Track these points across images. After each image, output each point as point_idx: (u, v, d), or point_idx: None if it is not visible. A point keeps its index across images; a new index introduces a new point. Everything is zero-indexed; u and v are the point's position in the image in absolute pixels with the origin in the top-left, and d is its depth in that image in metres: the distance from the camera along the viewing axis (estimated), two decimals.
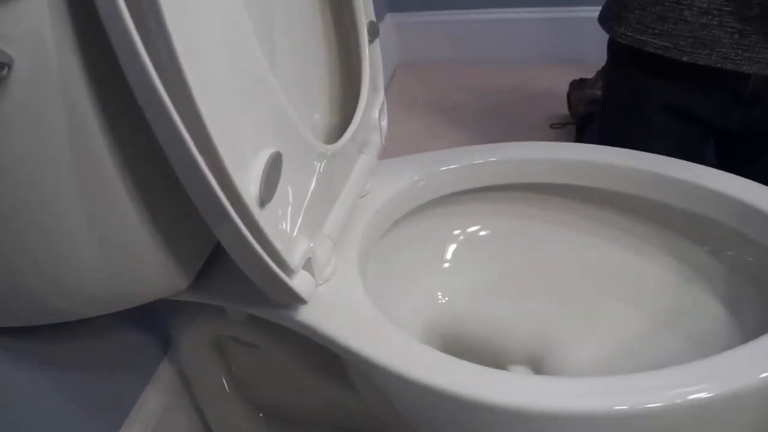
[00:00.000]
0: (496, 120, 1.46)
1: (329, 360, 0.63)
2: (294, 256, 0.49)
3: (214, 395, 0.73)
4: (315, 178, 0.53)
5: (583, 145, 0.67)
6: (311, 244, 0.51)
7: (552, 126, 1.40)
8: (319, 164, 0.54)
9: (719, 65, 0.73)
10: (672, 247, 0.65)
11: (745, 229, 0.58)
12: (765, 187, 0.58)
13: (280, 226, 0.47)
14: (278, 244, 0.45)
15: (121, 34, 0.33)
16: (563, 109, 1.43)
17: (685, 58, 0.74)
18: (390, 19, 1.60)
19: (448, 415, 0.47)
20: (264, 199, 0.43)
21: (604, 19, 0.84)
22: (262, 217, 0.43)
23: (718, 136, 0.85)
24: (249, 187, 0.42)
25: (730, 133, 0.81)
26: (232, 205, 0.41)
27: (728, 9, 0.70)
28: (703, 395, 0.41)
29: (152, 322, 0.73)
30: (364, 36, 0.65)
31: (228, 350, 0.71)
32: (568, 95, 1.39)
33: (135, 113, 0.43)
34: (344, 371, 0.62)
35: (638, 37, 0.77)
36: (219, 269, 0.58)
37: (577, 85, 1.37)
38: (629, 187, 0.64)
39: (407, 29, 1.63)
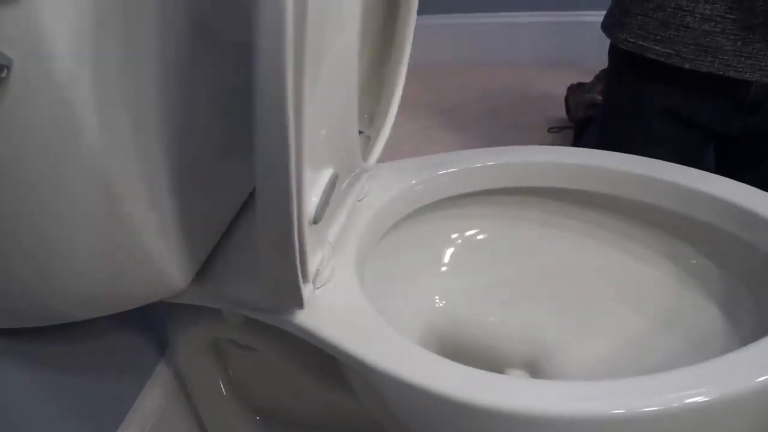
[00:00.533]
0: (494, 123, 1.46)
1: (326, 363, 0.63)
2: (313, 266, 0.49)
3: (212, 398, 0.73)
4: (342, 191, 0.54)
5: (581, 149, 0.67)
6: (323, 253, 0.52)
7: (550, 130, 1.41)
8: (349, 178, 0.55)
9: (721, 72, 0.73)
10: (670, 250, 0.65)
11: (742, 232, 0.58)
12: (761, 191, 0.58)
13: (314, 239, 0.48)
14: (310, 256, 0.47)
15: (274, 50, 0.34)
16: (561, 113, 1.43)
17: (687, 66, 0.74)
18: None
19: (446, 418, 0.47)
20: (317, 218, 0.45)
21: (606, 25, 0.83)
22: (309, 233, 0.45)
23: (718, 141, 0.85)
24: (310, 205, 0.44)
25: (730, 138, 0.81)
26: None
27: (732, 17, 0.70)
28: (700, 399, 0.41)
29: (149, 324, 0.73)
30: (407, 52, 0.66)
31: (225, 353, 0.71)
32: (566, 99, 1.39)
33: (137, 114, 0.43)
34: (341, 374, 0.62)
35: (640, 43, 0.77)
36: (216, 271, 0.58)
37: (575, 89, 1.37)
38: (627, 191, 0.64)
39: None
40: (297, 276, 0.46)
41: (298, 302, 0.49)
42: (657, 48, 0.75)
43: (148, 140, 0.46)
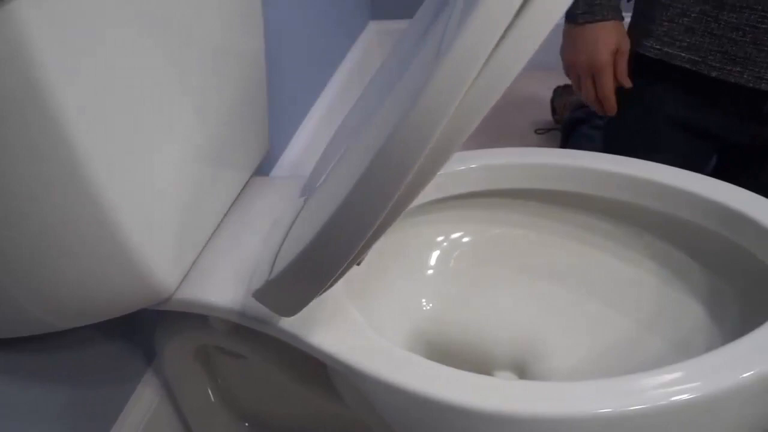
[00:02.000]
0: (480, 126, 1.47)
1: (314, 368, 0.63)
2: None
3: (200, 405, 0.73)
4: None
5: (567, 150, 0.67)
6: None
7: (537, 131, 1.41)
8: None
9: (751, 84, 0.69)
10: (655, 250, 0.65)
11: (727, 232, 0.58)
12: (746, 191, 0.59)
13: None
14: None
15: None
16: (546, 115, 1.44)
17: (713, 74, 0.71)
18: (373, 26, 1.60)
19: (434, 421, 0.47)
20: (361, 260, 0.48)
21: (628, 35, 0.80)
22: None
23: (721, 148, 0.83)
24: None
25: (734, 145, 0.79)
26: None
27: (764, 26, 0.66)
28: (686, 396, 0.41)
29: (137, 332, 0.72)
30: None
31: (213, 360, 0.71)
32: (552, 101, 1.40)
33: (121, 120, 0.43)
34: (329, 379, 0.62)
35: (666, 50, 0.74)
36: (202, 278, 0.58)
37: (562, 91, 1.38)
38: (612, 192, 0.64)
39: (390, 37, 1.63)
40: (313, 298, 0.46)
41: (294, 313, 0.49)
42: (683, 55, 0.72)
43: (132, 146, 0.45)
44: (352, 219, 0.38)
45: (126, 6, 0.43)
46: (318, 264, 0.42)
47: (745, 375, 0.42)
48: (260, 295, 0.48)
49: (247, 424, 0.75)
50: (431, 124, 0.34)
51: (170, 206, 0.52)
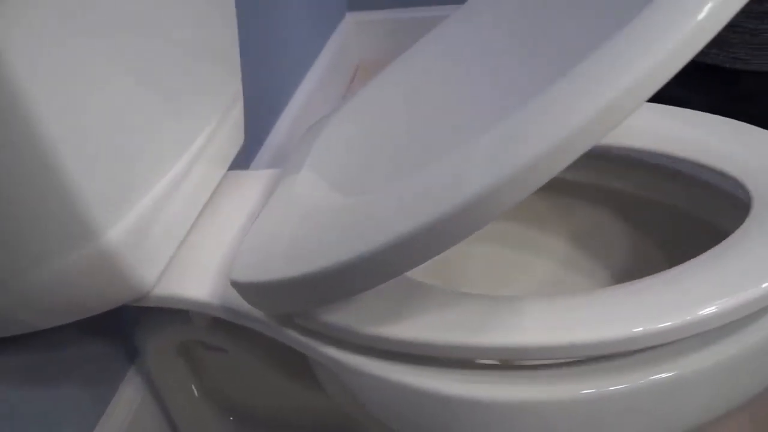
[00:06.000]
0: None
1: (296, 361, 0.63)
2: None
3: (184, 401, 0.73)
4: None
5: None
6: None
7: None
8: None
9: (727, 65, 0.70)
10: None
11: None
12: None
13: None
14: None
15: None
16: None
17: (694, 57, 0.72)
18: (350, 18, 1.60)
19: (419, 409, 0.47)
20: None
21: None
22: None
23: None
24: None
25: None
26: None
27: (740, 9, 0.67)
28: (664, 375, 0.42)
29: (118, 330, 0.72)
30: None
31: (195, 355, 0.71)
32: None
33: (91, 115, 0.43)
34: (311, 371, 0.62)
35: None
36: (181, 273, 0.58)
37: None
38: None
39: (368, 28, 1.63)
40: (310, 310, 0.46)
41: (277, 313, 0.49)
42: None
43: (106, 141, 0.45)
44: (416, 251, 0.34)
45: None
46: (344, 284, 0.40)
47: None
48: (243, 289, 0.48)
49: (232, 418, 0.75)
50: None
51: (146, 202, 0.51)
